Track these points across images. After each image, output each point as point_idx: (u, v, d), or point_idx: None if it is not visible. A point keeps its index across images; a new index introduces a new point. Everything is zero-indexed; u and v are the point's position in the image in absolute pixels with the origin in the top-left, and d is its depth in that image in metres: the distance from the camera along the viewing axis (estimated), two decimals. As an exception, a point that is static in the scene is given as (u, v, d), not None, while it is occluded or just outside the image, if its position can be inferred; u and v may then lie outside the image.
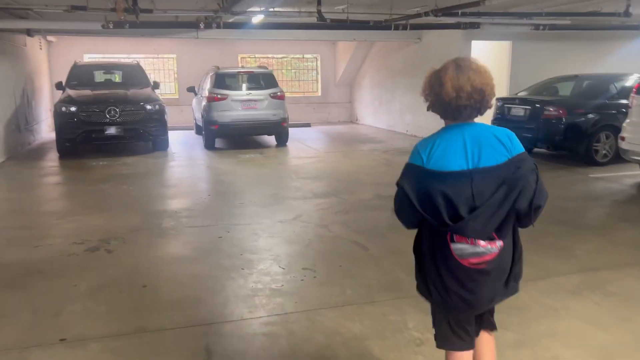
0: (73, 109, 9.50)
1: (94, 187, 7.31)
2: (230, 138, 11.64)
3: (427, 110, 2.05)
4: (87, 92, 10.09)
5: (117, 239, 4.97)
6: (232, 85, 10.96)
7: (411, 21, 9.10)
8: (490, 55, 11.05)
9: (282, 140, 11.40)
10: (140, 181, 7.72)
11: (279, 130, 11.15)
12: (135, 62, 11.98)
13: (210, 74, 11.24)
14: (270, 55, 16.59)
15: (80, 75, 11.05)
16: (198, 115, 11.99)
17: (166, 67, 16.14)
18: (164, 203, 6.62)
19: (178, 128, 14.29)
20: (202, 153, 10.56)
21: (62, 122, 9.54)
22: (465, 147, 1.90)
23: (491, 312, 2.18)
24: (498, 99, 9.14)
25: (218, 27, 8.29)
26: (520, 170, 1.85)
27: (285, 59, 16.99)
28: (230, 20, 8.72)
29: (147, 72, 16.09)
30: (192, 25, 8.47)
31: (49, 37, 13.75)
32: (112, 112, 9.59)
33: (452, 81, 1.89)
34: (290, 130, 11.52)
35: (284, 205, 6.29)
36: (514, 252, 1.97)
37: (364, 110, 15.89)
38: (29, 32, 9.71)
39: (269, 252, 4.64)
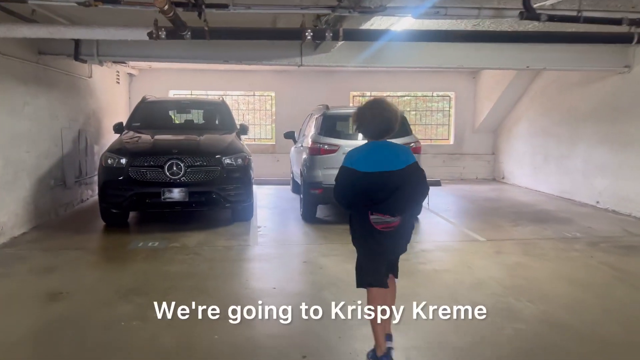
0: (123, 161, 6.64)
1: (110, 312, 4.09)
2: (337, 206, 8.17)
3: None
4: (146, 138, 7.25)
5: None
6: (346, 133, 7.60)
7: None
8: None
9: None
10: (190, 296, 4.43)
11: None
12: (220, 99, 9.09)
13: (316, 116, 8.00)
14: (388, 93, 13.19)
15: (146, 114, 8.35)
16: (296, 170, 8.81)
17: (263, 107, 13.36)
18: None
19: (272, 182, 11.21)
20: (298, 229, 7.21)
21: (107, 179, 6.71)
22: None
23: (396, 263, 3.34)
24: None
25: (335, 37, 4.91)
26: (413, 172, 3.05)
27: (406, 98, 13.49)
28: (362, 27, 5.32)
29: (239, 112, 13.58)
30: (292, 34, 5.16)
31: (129, 70, 11.52)
32: (175, 167, 6.60)
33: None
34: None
35: None
36: (409, 225, 3.20)
37: (516, 166, 11.78)
38: (76, 56, 7.13)
39: None
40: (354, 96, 12.95)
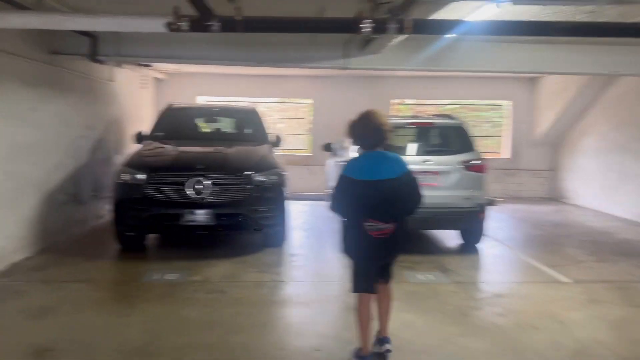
0: (140, 177, 5.73)
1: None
2: None
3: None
4: (168, 150, 6.35)
5: None
6: (400, 147, 6.51)
7: None
8: None
9: (473, 239, 6.64)
10: (205, 356, 3.44)
11: (473, 224, 6.39)
12: (252, 106, 8.14)
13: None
14: (430, 102, 12.04)
15: (171, 122, 7.47)
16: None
17: (299, 115, 12.41)
18: None
19: (307, 197, 10.20)
20: (339, 259, 6.15)
21: (121, 198, 5.82)
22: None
23: (387, 268, 3.44)
24: None
25: (400, 29, 3.81)
26: (407, 181, 3.25)
27: (449, 107, 12.31)
28: (432, 17, 4.22)
29: (272, 121, 12.65)
30: (344, 25, 4.06)
31: (157, 74, 10.75)
32: (199, 185, 5.65)
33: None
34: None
35: None
36: (402, 232, 3.27)
37: (581, 184, 10.44)
38: (93, 56, 6.30)
39: None
40: (394, 104, 11.85)
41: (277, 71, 10.60)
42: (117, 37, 6.32)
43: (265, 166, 6.16)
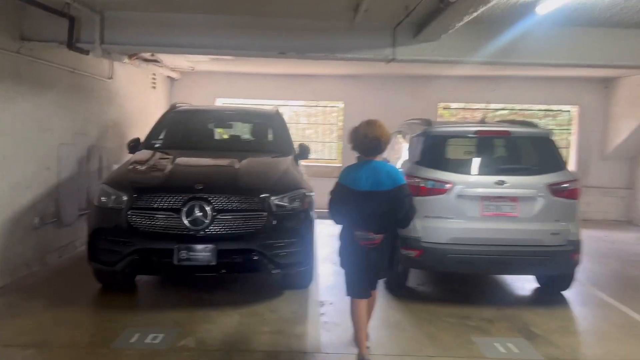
0: (121, 199, 4.35)
1: None
2: (444, 273, 5.54)
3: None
4: (162, 162, 4.95)
5: None
6: (461, 162, 4.97)
7: None
8: None
9: (559, 285, 5.06)
10: None
11: (562, 265, 4.77)
12: (274, 109, 6.70)
13: (410, 136, 5.42)
14: (478, 106, 10.41)
15: (174, 128, 6.13)
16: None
17: (327, 120, 10.96)
18: None
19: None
20: (383, 310, 4.60)
21: (98, 227, 4.44)
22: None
23: (377, 280, 3.57)
24: None
25: None
26: (400, 195, 3.29)
27: (501, 112, 10.65)
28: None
29: (299, 127, 11.23)
30: None
31: (169, 72, 9.45)
32: (198, 212, 4.23)
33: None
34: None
35: None
36: (394, 243, 3.49)
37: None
38: (71, 43, 4.96)
39: None
40: (442, 107, 10.28)
41: (304, 70, 9.19)
42: (102, 19, 4.98)
43: (287, 186, 4.70)
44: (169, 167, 4.70)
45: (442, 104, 10.22)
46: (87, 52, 5.16)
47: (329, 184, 9.33)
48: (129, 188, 4.38)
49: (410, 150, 5.23)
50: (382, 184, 3.26)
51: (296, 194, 4.67)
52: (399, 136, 6.19)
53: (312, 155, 10.57)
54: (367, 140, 3.33)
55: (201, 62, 8.71)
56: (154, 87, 9.26)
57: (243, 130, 6.78)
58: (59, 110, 5.83)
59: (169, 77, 9.92)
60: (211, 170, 4.81)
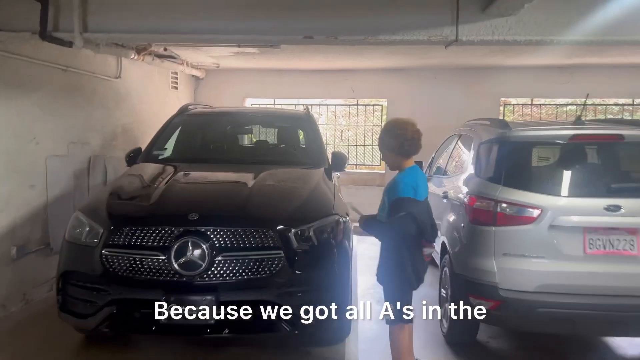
0: (97, 232, 3.30)
1: None
2: (532, 332, 4.13)
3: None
4: (155, 183, 3.86)
5: None
6: (554, 180, 3.60)
7: None
8: None
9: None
10: None
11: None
12: (304, 110, 5.51)
13: (478, 142, 4.08)
14: (546, 100, 8.91)
15: (182, 136, 5.07)
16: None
17: (368, 120, 9.72)
18: None
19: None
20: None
21: (68, 269, 3.40)
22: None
23: None
24: None
25: None
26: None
27: (570, 107, 9.09)
28: None
29: (337, 129, 10.04)
30: None
31: (192, 71, 8.47)
32: (192, 251, 3.12)
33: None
34: None
35: None
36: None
37: None
38: (44, 33, 3.96)
39: None
40: (505, 104, 8.84)
41: (342, 63, 7.99)
42: (83, 1, 3.97)
43: (315, 211, 3.54)
44: (162, 188, 3.61)
45: (506, 99, 8.78)
46: (69, 44, 4.16)
47: (370, 193, 8.14)
48: (105, 218, 3.33)
49: (478, 161, 3.94)
50: (427, 189, 3.11)
51: (326, 222, 3.49)
52: (458, 142, 4.91)
53: (351, 161, 9.43)
54: (417, 139, 3.00)
55: (224, 58, 7.68)
56: (175, 87, 8.31)
57: (265, 137, 5.64)
58: (47, 117, 4.89)
59: (193, 76, 8.96)
60: (215, 192, 3.68)
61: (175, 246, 3.12)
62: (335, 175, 4.85)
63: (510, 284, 3.38)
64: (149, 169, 4.18)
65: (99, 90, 5.85)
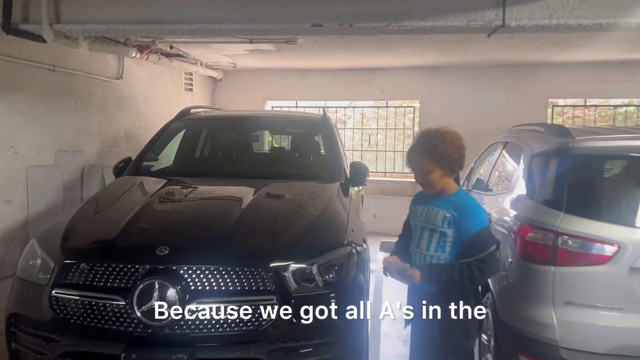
0: (50, 268, 2.66)
1: None
2: None
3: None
4: (129, 204, 3.19)
5: None
6: (634, 207, 2.77)
7: None
8: None
9: None
10: None
11: None
12: (321, 115, 4.74)
13: (529, 154, 3.24)
14: (595, 101, 7.88)
15: (181, 144, 4.44)
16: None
17: (399, 123, 8.92)
18: None
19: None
20: None
21: (16, 312, 2.75)
22: None
23: None
24: None
25: None
26: None
27: (624, 109, 8.04)
28: None
29: (364, 133, 9.25)
30: None
31: (208, 71, 7.89)
32: (159, 296, 2.43)
33: None
34: None
35: None
36: None
37: None
38: (7, 25, 3.39)
39: None
40: (553, 105, 7.88)
41: (369, 61, 7.25)
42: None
43: (321, 242, 2.81)
44: (135, 211, 2.94)
45: (552, 101, 7.83)
46: (40, 38, 3.57)
47: (400, 203, 7.38)
48: (57, 250, 2.69)
49: (531, 178, 3.12)
50: None
51: (335, 255, 2.75)
52: (503, 151, 4.08)
53: (378, 168, 8.64)
54: (462, 155, 2.31)
55: (240, 57, 7.05)
56: (190, 89, 7.75)
57: (281, 144, 4.94)
58: (28, 123, 4.34)
59: (210, 77, 8.39)
60: (197, 217, 2.97)
61: (138, 289, 2.44)
62: (355, 190, 4.11)
63: (575, 343, 2.56)
64: (131, 185, 3.53)
65: (96, 92, 5.30)
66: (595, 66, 7.14)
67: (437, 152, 2.24)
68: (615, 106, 8.45)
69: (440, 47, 6.00)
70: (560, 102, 8.32)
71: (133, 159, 3.98)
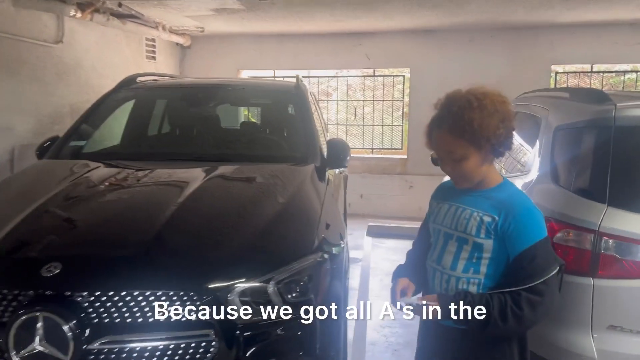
0: None
1: None
2: None
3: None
4: (30, 199, 2.44)
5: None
6: None
7: None
8: None
9: None
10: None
11: None
12: (294, 82, 3.94)
13: (553, 126, 2.54)
14: (598, 66, 7.16)
15: (129, 120, 3.66)
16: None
17: (388, 94, 8.15)
18: None
19: (402, 232, 6.05)
20: None
21: None
22: None
23: None
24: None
25: None
26: None
27: (629, 76, 7.34)
28: None
29: (349, 105, 8.45)
30: None
31: (174, 37, 7.03)
32: (37, 333, 1.71)
33: None
34: None
35: None
36: None
37: None
38: None
39: None
40: (556, 73, 7.16)
41: (354, 24, 6.44)
42: None
43: (282, 248, 2.10)
44: (26, 213, 2.17)
45: (557, 66, 7.10)
46: None
47: (390, 182, 6.62)
48: None
49: (555, 159, 2.41)
50: None
51: (301, 266, 2.04)
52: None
53: (366, 144, 7.92)
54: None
55: (206, 18, 6.21)
56: (153, 58, 6.90)
57: (239, 120, 4.18)
58: None
59: (177, 44, 7.53)
60: (108, 220, 2.19)
61: (15, 325, 1.71)
62: (334, 172, 3.41)
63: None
64: (44, 173, 2.77)
65: (28, 58, 4.48)
66: (603, 28, 6.41)
67: (473, 128, 1.45)
68: (625, 72, 7.75)
69: (433, 4, 5.21)
70: (560, 69, 7.61)
71: (50, 138, 3.20)
